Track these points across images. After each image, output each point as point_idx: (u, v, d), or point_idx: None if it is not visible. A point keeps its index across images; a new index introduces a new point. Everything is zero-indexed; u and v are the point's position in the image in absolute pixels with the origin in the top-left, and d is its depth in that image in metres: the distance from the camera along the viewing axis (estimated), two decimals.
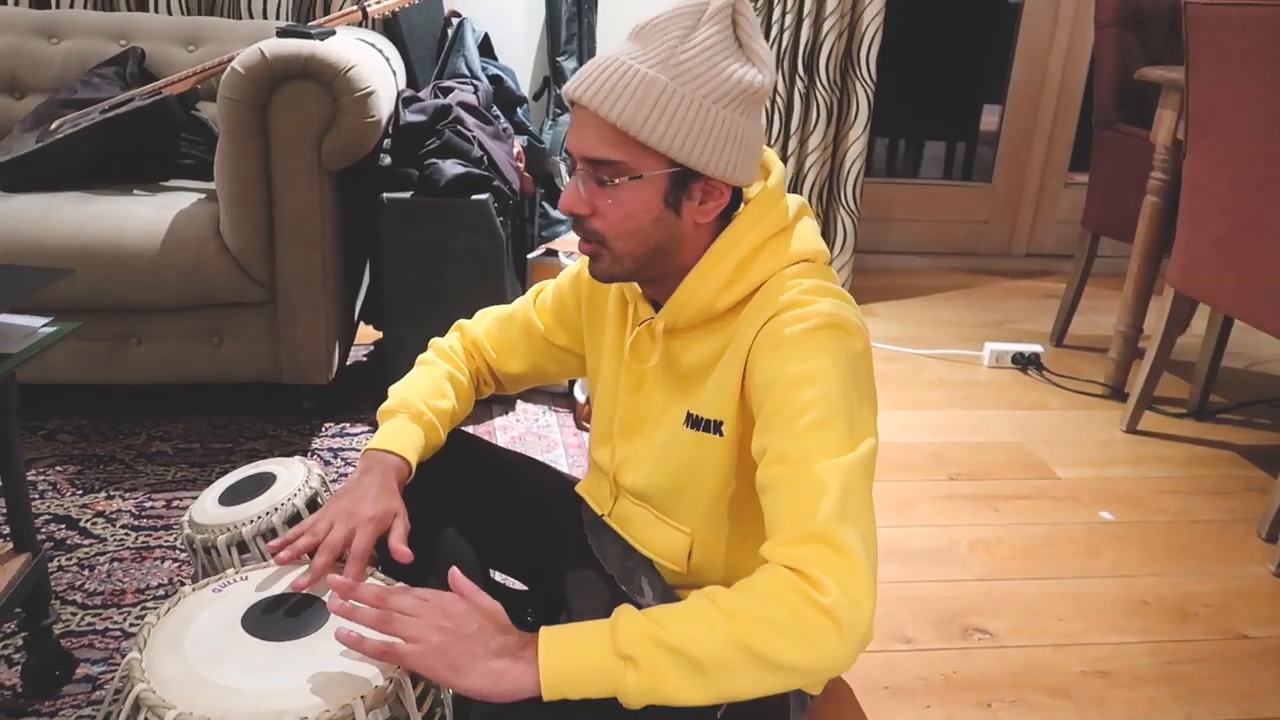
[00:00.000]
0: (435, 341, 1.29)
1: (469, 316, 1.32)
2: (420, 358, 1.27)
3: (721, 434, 1.02)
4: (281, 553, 1.02)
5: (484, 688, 0.82)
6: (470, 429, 2.17)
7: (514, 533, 1.25)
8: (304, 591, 0.97)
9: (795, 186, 3.08)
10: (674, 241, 1.00)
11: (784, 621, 0.81)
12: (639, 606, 1.11)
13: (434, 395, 1.19)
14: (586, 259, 1.07)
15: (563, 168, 1.07)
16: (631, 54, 0.95)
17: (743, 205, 1.03)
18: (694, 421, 1.04)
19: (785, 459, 0.90)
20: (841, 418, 0.91)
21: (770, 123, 3.02)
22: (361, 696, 0.83)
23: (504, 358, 1.28)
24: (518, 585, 1.40)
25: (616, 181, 0.96)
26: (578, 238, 1.03)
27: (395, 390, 1.19)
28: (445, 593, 0.90)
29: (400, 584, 0.99)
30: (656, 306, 1.07)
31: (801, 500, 0.87)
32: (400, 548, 1.01)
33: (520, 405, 2.33)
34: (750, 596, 0.83)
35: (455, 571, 0.92)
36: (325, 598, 0.96)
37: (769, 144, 3.03)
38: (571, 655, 0.83)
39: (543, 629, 0.85)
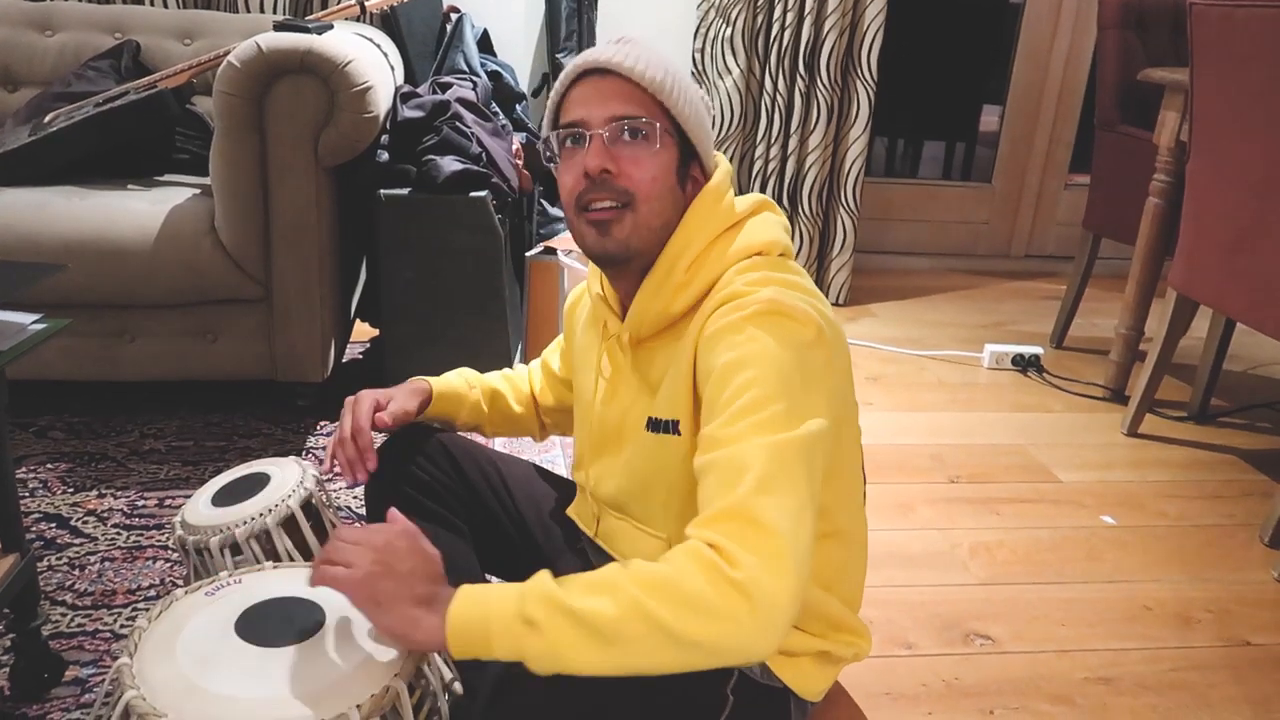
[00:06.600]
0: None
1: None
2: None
3: (679, 433, 1.01)
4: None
5: (398, 631, 0.83)
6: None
7: (510, 538, 1.24)
8: (298, 596, 0.95)
9: (796, 186, 3.06)
10: (671, 228, 1.02)
11: (692, 595, 0.77)
12: None
13: (479, 378, 1.32)
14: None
15: (554, 146, 1.06)
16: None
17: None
18: (654, 424, 1.03)
19: (717, 442, 0.87)
20: (779, 401, 0.87)
21: (770, 122, 3.00)
22: (357, 705, 0.81)
23: (542, 393, 1.35)
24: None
25: (647, 133, 0.99)
26: (597, 209, 1.01)
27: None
28: (394, 527, 0.90)
29: None
30: None
31: (726, 478, 0.83)
32: (384, 419, 1.15)
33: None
34: (662, 569, 0.80)
35: (394, 511, 0.93)
36: (318, 600, 0.94)
37: (770, 142, 3.01)
38: (478, 615, 0.81)
39: (463, 586, 0.84)
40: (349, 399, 1.19)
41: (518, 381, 1.36)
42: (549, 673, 0.80)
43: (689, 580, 0.78)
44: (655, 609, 0.77)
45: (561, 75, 1.03)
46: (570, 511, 1.25)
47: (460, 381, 1.29)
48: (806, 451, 0.86)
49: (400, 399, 1.20)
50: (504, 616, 0.80)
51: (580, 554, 1.21)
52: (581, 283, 1.26)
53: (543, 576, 0.83)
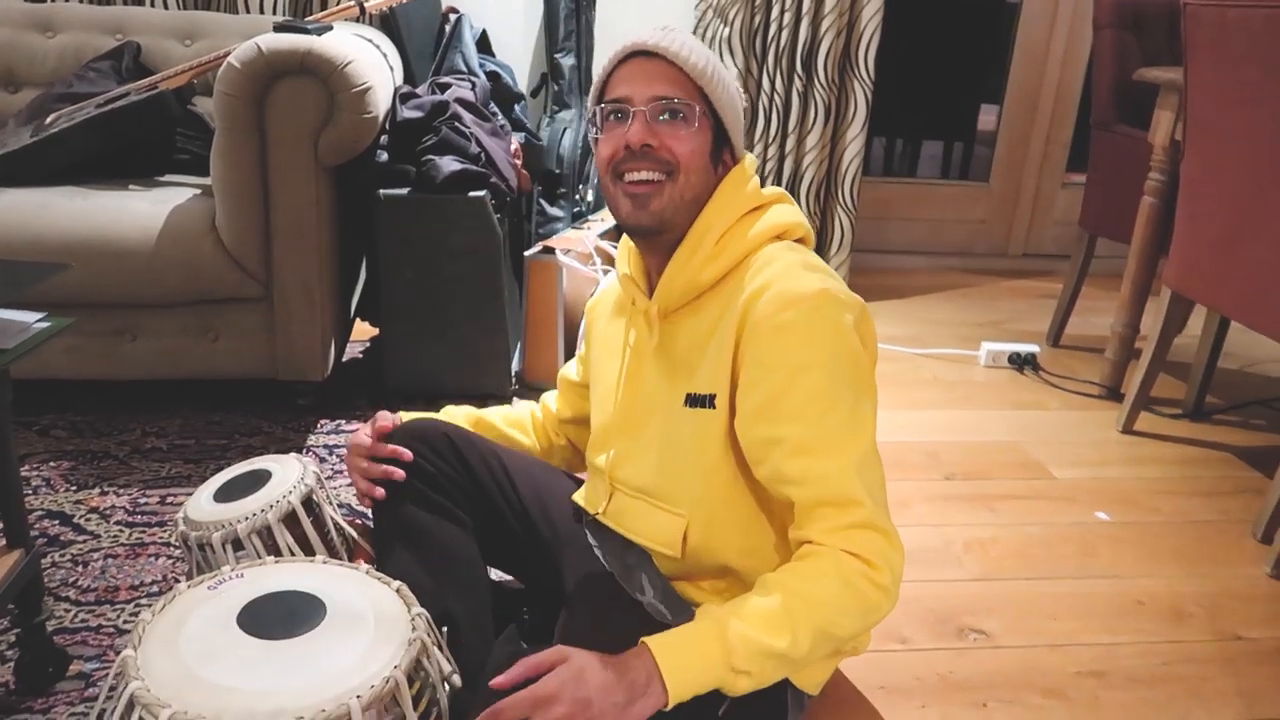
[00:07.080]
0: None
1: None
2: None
3: (714, 406, 1.06)
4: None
5: None
6: None
7: (513, 531, 1.25)
8: (300, 590, 0.97)
9: (793, 185, 3.07)
10: (702, 204, 1.09)
11: (854, 605, 0.95)
12: (639, 604, 1.13)
13: (460, 408, 1.38)
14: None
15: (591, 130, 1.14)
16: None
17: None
18: (692, 400, 1.08)
19: (806, 451, 0.98)
20: (847, 398, 1.00)
21: (768, 121, 3.02)
22: (358, 696, 0.82)
23: (560, 407, 1.41)
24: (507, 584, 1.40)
25: (686, 114, 1.06)
26: (635, 179, 1.07)
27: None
28: (540, 674, 0.89)
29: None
30: None
31: (839, 492, 0.97)
32: (384, 425, 1.21)
33: (518, 403, 2.32)
34: (823, 586, 0.95)
35: (498, 681, 0.89)
36: (319, 593, 0.96)
37: (768, 142, 3.03)
38: (694, 677, 0.90)
39: (655, 655, 0.90)
40: (347, 452, 1.24)
41: (513, 411, 1.42)
42: (739, 694, 0.93)
43: (851, 594, 0.95)
44: (835, 629, 0.95)
45: (611, 55, 1.09)
46: (575, 496, 1.27)
47: (435, 412, 1.34)
48: (875, 440, 1.02)
49: (381, 416, 1.25)
50: (715, 669, 0.91)
51: (586, 548, 1.21)
52: (601, 287, 1.32)
53: (734, 627, 0.92)
